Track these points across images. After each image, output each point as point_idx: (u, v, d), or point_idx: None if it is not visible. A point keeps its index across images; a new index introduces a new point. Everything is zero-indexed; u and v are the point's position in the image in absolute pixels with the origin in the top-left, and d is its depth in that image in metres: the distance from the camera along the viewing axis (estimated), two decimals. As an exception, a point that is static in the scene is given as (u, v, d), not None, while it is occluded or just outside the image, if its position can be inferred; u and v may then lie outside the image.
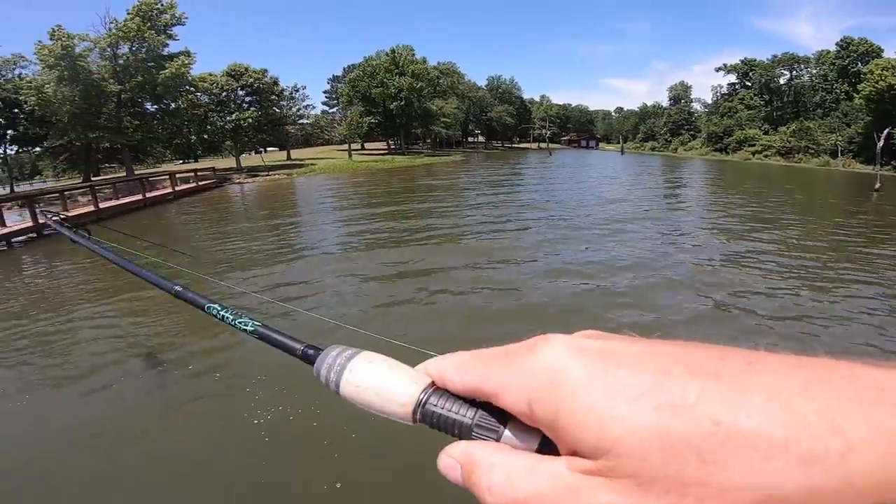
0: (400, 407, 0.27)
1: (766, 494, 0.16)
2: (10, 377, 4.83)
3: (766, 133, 55.27)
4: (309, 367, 0.36)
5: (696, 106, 78.85)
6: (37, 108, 29.87)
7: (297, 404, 3.65)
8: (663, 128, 78.01)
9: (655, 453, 0.18)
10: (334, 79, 76.69)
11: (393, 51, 54.67)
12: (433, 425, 0.26)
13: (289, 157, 48.75)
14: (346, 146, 52.02)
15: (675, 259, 8.30)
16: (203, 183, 28.34)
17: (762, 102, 60.46)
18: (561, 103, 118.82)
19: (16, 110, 34.40)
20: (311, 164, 41.13)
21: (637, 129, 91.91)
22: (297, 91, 50.29)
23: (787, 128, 51.22)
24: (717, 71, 67.55)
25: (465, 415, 0.25)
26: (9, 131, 36.43)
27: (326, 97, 78.96)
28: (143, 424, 3.78)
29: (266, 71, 43.29)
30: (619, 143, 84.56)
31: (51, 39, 29.22)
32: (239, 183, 31.73)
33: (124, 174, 35.63)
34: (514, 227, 11.80)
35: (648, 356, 0.21)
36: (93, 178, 35.05)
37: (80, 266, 9.79)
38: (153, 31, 32.29)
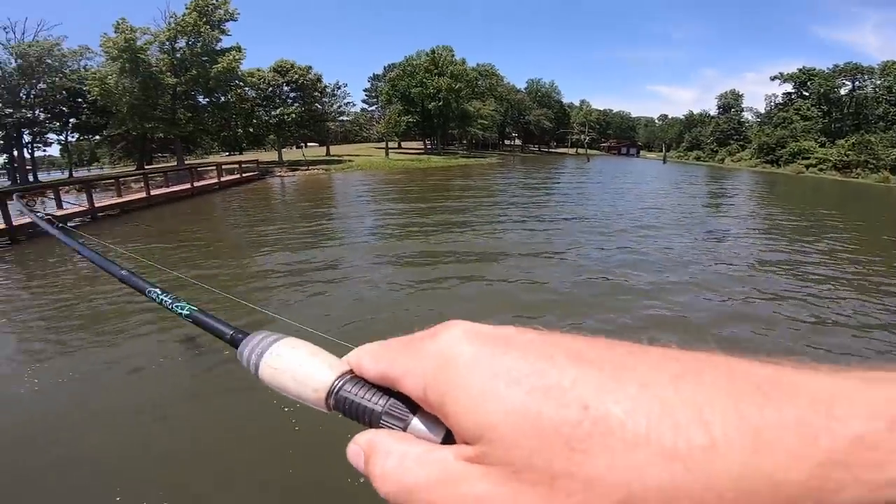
0: (313, 392, 0.27)
1: (628, 491, 0.15)
2: (57, 351, 5.16)
3: (822, 146, 52.31)
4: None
5: (748, 115, 75.57)
6: (99, 98, 31.80)
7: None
8: (710, 137, 75.11)
9: (526, 439, 0.17)
10: (374, 77, 77.97)
11: (433, 51, 55.03)
12: (346, 413, 0.26)
13: (328, 153, 49.91)
14: (383, 144, 52.79)
15: (707, 265, 8.05)
16: (247, 175, 29.40)
17: (820, 113, 57.26)
18: (601, 108, 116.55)
19: (79, 100, 36.73)
20: (349, 161, 41.94)
21: (681, 137, 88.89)
22: (339, 88, 51.47)
23: (846, 141, 48.29)
24: (773, 80, 64.44)
25: (377, 403, 0.25)
26: (72, 119, 38.95)
27: (366, 95, 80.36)
28: (175, 404, 3.94)
29: (311, 68, 44.48)
30: (661, 151, 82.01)
31: (115, 32, 31.05)
32: (280, 176, 32.71)
33: (175, 164, 37.44)
34: (546, 227, 11.66)
35: (538, 343, 0.20)
36: (146, 167, 36.97)
37: (130, 248, 10.34)
38: (208, 26, 33.78)
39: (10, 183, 35.00)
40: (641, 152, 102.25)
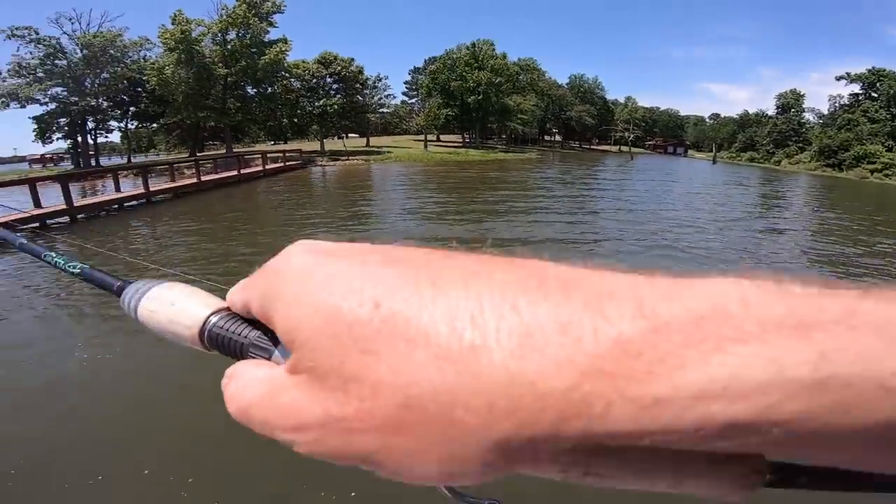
0: (187, 330, 0.27)
1: (407, 394, 0.15)
2: (107, 324, 5.50)
3: (889, 150, 48.50)
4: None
5: (809, 116, 70.90)
6: (157, 87, 33.54)
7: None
8: (766, 138, 71.00)
9: (324, 340, 0.17)
10: (415, 70, 78.26)
11: (473, 45, 54.61)
12: (220, 349, 0.25)
13: (368, 144, 50.69)
14: (422, 136, 53.05)
15: (744, 261, 7.64)
16: (290, 163, 30.30)
17: (888, 116, 53.03)
18: (648, 106, 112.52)
19: (139, 89, 38.86)
20: (388, 152, 42.44)
21: (734, 137, 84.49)
22: (380, 81, 52.12)
23: (919, 145, 44.55)
24: (838, 80, 60.06)
25: (246, 336, 0.24)
26: (131, 108, 41.28)
27: (406, 88, 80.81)
28: (208, 387, 4.13)
29: (353, 60, 45.22)
30: (711, 151, 78.38)
31: (172, 24, 32.59)
32: (322, 165, 33.52)
33: (224, 151, 39.05)
34: (581, 220, 11.39)
35: (364, 252, 0.20)
36: (198, 154, 38.74)
37: (181, 230, 10.89)
38: (256, 18, 34.90)
39: (73, 166, 37.55)
40: (690, 152, 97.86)
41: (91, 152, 38.81)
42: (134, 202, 15.03)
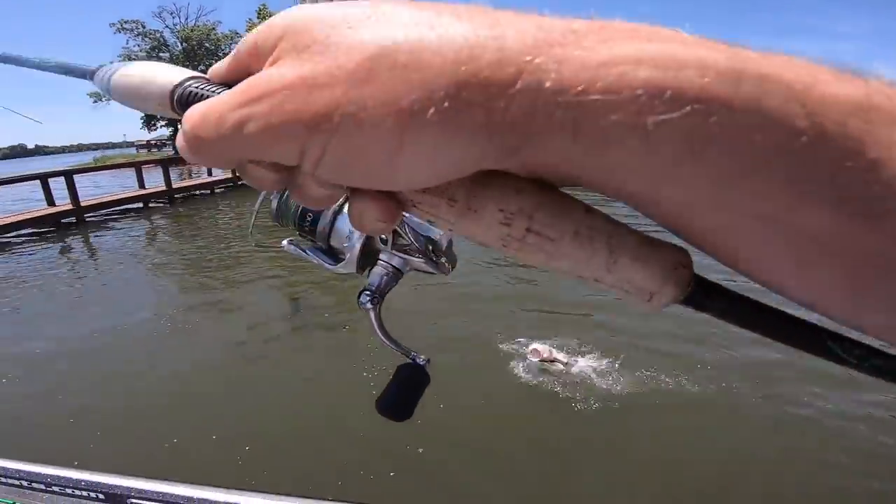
0: (159, 88, 0.26)
1: (381, 46, 0.17)
2: (189, 298, 6.13)
3: None
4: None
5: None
6: (245, 79, 36.01)
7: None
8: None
9: (315, 24, 0.19)
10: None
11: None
12: (185, 105, 0.24)
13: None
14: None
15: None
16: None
17: None
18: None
19: (231, 81, 41.84)
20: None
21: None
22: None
23: None
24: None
25: (216, 91, 0.23)
26: (224, 99, 44.54)
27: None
28: (272, 354, 4.47)
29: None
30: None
31: (258, 18, 34.68)
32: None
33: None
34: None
35: None
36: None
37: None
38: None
39: (174, 152, 41.50)
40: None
41: (189, 138, 42.61)
42: (223, 187, 16.40)
